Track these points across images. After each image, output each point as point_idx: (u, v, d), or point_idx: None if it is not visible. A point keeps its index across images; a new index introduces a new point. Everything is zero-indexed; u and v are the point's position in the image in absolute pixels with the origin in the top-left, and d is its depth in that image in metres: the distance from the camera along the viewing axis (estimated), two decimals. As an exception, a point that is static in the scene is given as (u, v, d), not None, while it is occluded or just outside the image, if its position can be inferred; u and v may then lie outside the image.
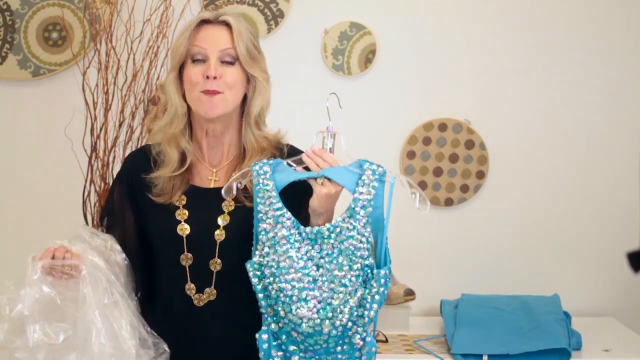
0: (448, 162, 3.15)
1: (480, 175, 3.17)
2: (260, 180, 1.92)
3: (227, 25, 2.00)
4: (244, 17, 2.96)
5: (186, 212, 2.02)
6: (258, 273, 1.91)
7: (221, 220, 2.01)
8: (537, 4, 3.14)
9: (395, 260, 2.92)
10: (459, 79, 3.14)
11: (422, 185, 3.14)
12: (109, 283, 1.89)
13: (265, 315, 1.92)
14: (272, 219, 1.90)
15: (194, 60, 1.99)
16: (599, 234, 3.22)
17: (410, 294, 2.91)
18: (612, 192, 3.21)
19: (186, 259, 2.00)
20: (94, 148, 2.75)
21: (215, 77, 1.95)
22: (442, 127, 3.14)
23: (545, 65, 3.16)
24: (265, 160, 1.96)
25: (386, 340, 2.80)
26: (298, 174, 1.94)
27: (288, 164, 1.97)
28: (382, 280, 1.88)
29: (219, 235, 2.00)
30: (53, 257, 1.88)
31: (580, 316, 3.09)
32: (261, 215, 1.92)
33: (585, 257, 3.23)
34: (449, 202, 3.17)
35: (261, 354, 1.91)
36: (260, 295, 1.91)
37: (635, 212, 3.18)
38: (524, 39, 3.15)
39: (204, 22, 2.01)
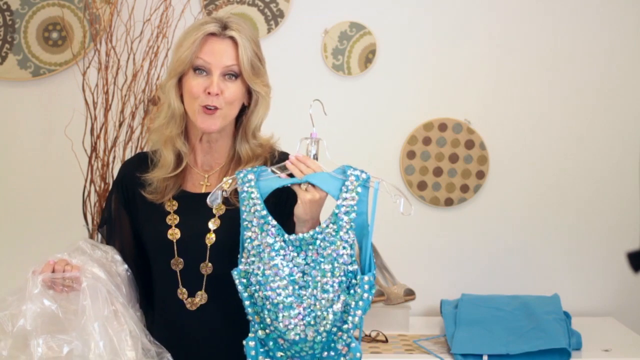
0: (448, 162, 3.15)
1: (480, 175, 3.17)
2: (245, 188, 1.92)
3: (233, 40, 1.98)
4: (242, 16, 2.98)
5: (177, 217, 2.03)
6: (244, 281, 1.90)
7: (212, 224, 2.01)
8: (537, 4, 3.14)
9: (395, 260, 2.95)
10: (459, 79, 3.14)
11: (422, 185, 3.14)
12: (109, 294, 1.89)
13: (252, 322, 1.91)
14: (257, 226, 1.90)
15: (196, 70, 1.98)
16: (599, 234, 3.22)
17: (410, 294, 2.91)
18: (612, 192, 3.21)
19: (177, 264, 2.01)
20: (94, 148, 2.75)
21: (217, 94, 1.95)
22: (442, 127, 3.14)
23: (545, 65, 3.16)
24: (249, 168, 1.96)
25: (386, 340, 2.80)
26: (282, 180, 1.93)
27: (272, 171, 1.96)
28: (366, 287, 1.87)
29: (210, 239, 2.00)
30: (53, 271, 1.88)
31: (580, 316, 3.10)
32: (246, 223, 1.91)
33: (585, 257, 3.23)
34: (449, 202, 3.17)
35: None
36: (247, 303, 1.91)
37: (635, 212, 3.18)
38: (524, 39, 3.15)
39: (210, 34, 1.98)
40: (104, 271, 1.92)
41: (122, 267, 1.99)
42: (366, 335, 2.80)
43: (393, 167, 3.13)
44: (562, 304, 2.93)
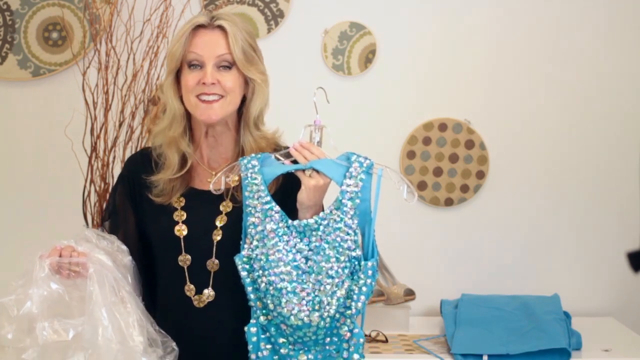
0: (448, 162, 3.15)
1: (480, 175, 3.17)
2: (249, 174, 1.94)
3: (223, 29, 1.99)
4: (242, 16, 2.98)
5: (184, 213, 2.03)
6: (247, 267, 1.92)
7: (219, 221, 2.02)
8: (537, 4, 3.14)
9: (395, 260, 2.95)
10: (459, 79, 3.14)
11: (422, 185, 3.14)
12: (116, 281, 1.89)
13: (254, 308, 1.93)
14: (261, 212, 1.92)
15: (191, 66, 1.98)
16: (599, 234, 3.22)
17: (410, 294, 2.91)
18: (612, 192, 3.21)
19: (184, 260, 2.01)
20: (94, 148, 2.75)
21: (213, 83, 1.96)
22: (442, 127, 3.14)
23: (545, 65, 3.16)
24: (253, 155, 1.97)
25: (386, 340, 2.80)
26: (286, 166, 1.95)
27: (276, 157, 1.98)
28: (370, 272, 1.90)
29: (216, 235, 2.00)
30: (60, 256, 1.89)
31: (580, 316, 3.10)
32: (250, 209, 1.93)
33: (585, 257, 3.23)
34: (449, 202, 3.17)
35: (250, 347, 1.92)
36: (249, 289, 1.92)
37: (635, 212, 3.18)
38: (524, 39, 3.14)
39: (199, 26, 1.99)
40: (110, 259, 1.92)
41: (127, 258, 1.99)
42: (366, 335, 2.80)
43: (393, 167, 3.11)
44: (562, 304, 2.93)
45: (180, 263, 2.01)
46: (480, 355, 2.67)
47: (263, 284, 1.89)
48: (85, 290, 1.86)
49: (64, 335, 1.84)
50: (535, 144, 3.19)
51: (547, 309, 2.88)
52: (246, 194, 1.93)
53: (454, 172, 3.16)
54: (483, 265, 3.19)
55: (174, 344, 1.93)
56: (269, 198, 1.92)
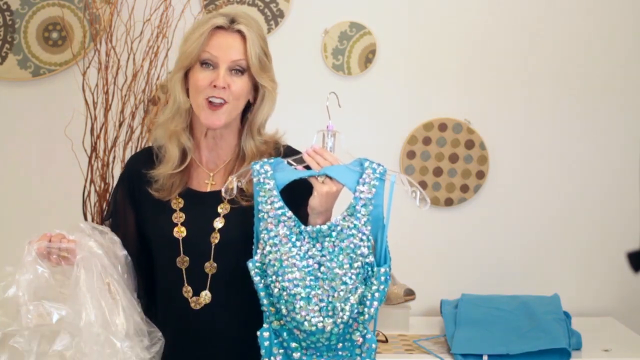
0: (448, 162, 3.15)
1: (480, 175, 3.17)
2: (261, 179, 1.93)
3: (241, 34, 1.98)
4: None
5: (183, 215, 2.03)
6: (259, 272, 1.91)
7: (217, 224, 2.01)
8: (537, 5, 3.14)
9: (395, 260, 2.92)
10: (459, 79, 3.14)
11: (422, 185, 3.14)
12: (104, 268, 1.89)
13: (267, 313, 1.92)
14: (274, 218, 1.91)
15: (203, 64, 1.98)
16: (599, 234, 3.22)
17: (410, 294, 2.91)
18: (612, 192, 3.21)
19: (182, 262, 2.01)
20: (94, 148, 2.75)
21: (224, 87, 1.95)
22: (442, 127, 3.14)
23: (546, 65, 3.16)
24: (265, 160, 1.96)
25: (386, 340, 2.80)
26: (299, 172, 1.95)
27: (288, 162, 1.97)
28: (383, 278, 1.90)
29: (214, 238, 2.00)
30: (50, 242, 1.89)
31: (580, 316, 3.10)
32: (262, 214, 1.92)
33: (585, 257, 3.23)
34: (449, 202, 3.17)
35: (262, 352, 1.92)
36: (262, 294, 1.91)
37: (635, 213, 3.18)
38: (525, 39, 3.15)
39: (218, 27, 1.98)
40: (101, 248, 1.92)
41: (121, 252, 1.98)
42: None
43: (393, 167, 3.10)
44: (562, 304, 2.93)
45: (178, 264, 2.01)
46: (480, 355, 2.67)
47: (276, 290, 1.88)
48: (72, 275, 1.86)
49: (47, 319, 1.83)
50: (535, 144, 3.19)
51: (547, 309, 2.88)
52: (259, 199, 1.92)
53: (454, 172, 3.16)
54: (483, 265, 3.19)
55: (160, 334, 1.94)
56: (281, 203, 1.91)
